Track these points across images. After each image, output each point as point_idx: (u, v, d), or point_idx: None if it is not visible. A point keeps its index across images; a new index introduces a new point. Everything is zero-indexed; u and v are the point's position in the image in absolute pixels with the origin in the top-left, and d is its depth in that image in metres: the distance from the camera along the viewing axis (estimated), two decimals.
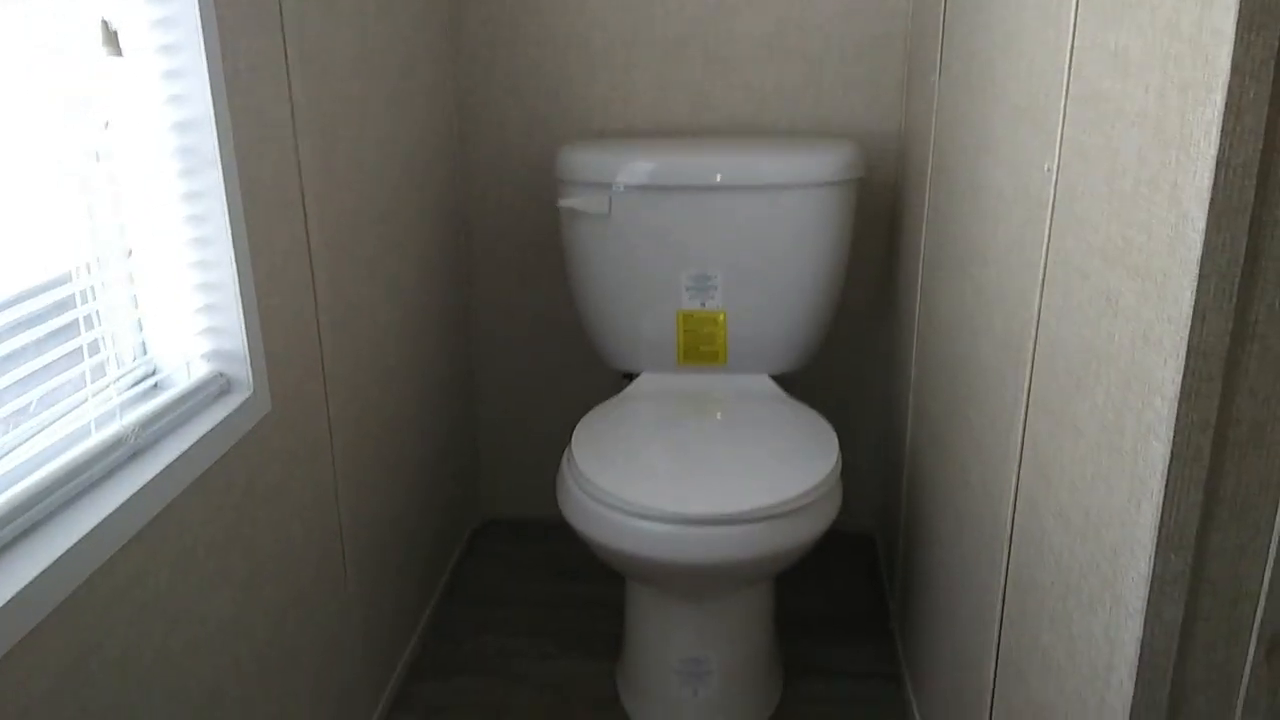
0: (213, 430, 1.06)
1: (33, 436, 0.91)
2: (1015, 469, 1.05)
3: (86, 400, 0.97)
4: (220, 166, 1.08)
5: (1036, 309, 1.00)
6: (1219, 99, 0.60)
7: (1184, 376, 0.64)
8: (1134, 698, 0.73)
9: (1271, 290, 0.63)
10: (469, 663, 1.78)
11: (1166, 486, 0.67)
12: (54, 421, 0.93)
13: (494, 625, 1.88)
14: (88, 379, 0.98)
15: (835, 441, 1.54)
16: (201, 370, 1.14)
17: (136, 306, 1.09)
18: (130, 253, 1.08)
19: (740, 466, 1.46)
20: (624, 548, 1.37)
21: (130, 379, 1.06)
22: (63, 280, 0.96)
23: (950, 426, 1.39)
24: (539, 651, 1.80)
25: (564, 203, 1.77)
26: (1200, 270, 0.62)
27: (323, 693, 1.39)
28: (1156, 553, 0.70)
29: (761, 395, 1.74)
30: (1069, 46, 0.92)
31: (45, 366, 0.93)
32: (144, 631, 0.95)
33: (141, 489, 0.93)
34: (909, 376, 1.75)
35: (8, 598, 0.75)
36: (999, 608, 1.11)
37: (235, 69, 1.10)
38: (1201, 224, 0.62)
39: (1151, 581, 0.70)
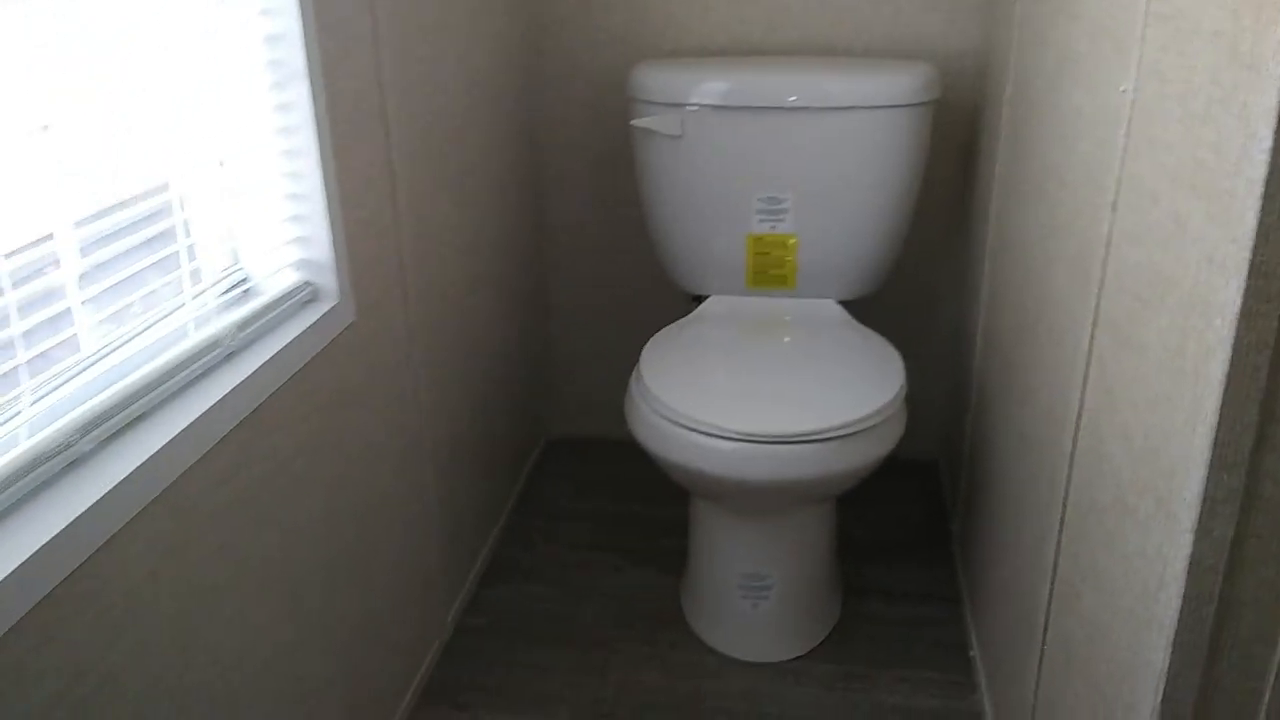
0: (301, 336, 1.12)
1: (136, 336, 0.97)
2: (1080, 390, 1.06)
3: (184, 304, 1.03)
4: (308, 79, 1.12)
5: (1107, 231, 0.99)
6: None
7: (1244, 297, 0.65)
8: (1180, 612, 0.75)
9: None
10: (538, 571, 1.85)
11: (1222, 406, 0.68)
12: (155, 323, 0.99)
13: (562, 537, 1.95)
14: (185, 284, 1.04)
15: (901, 366, 1.55)
16: (290, 278, 1.19)
17: (231, 215, 1.14)
18: (224, 162, 1.13)
19: (806, 388, 1.49)
20: (689, 464, 1.41)
21: (223, 285, 1.12)
22: (161, 188, 1.02)
23: (1019, 350, 1.39)
24: (606, 564, 1.87)
25: (637, 122, 1.78)
26: (1265, 190, 0.63)
27: (403, 592, 1.46)
28: (1209, 472, 0.71)
29: (829, 320, 1.76)
30: None
31: (146, 269, 0.98)
32: (238, 524, 1.02)
33: (235, 388, 0.99)
34: (979, 301, 1.75)
35: (110, 487, 0.81)
36: (1057, 529, 1.12)
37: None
38: (1269, 143, 0.62)
39: (1204, 500, 0.72)
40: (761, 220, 1.80)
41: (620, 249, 2.14)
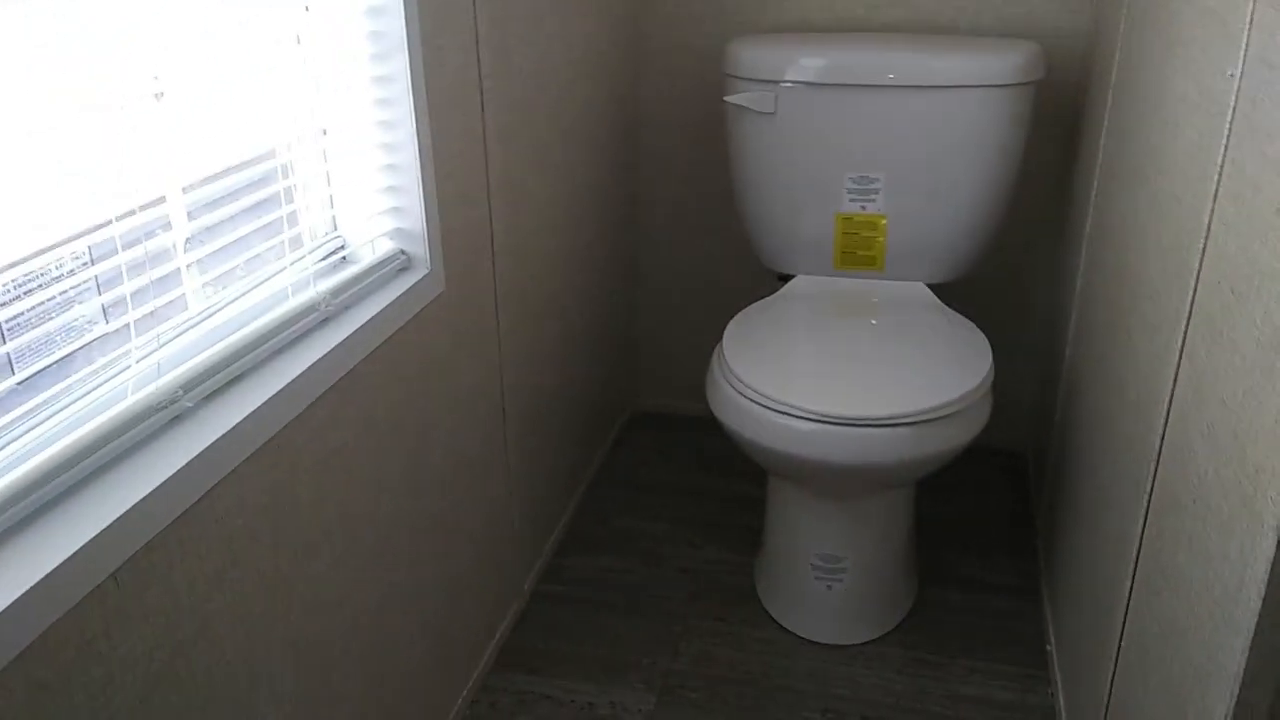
0: (393, 303, 1.16)
1: (240, 297, 1.01)
2: (1170, 385, 1.04)
3: (285, 268, 1.07)
4: (407, 51, 1.14)
5: (1207, 220, 0.97)
6: None
7: None
8: (1260, 615, 0.74)
9: None
10: (614, 543, 1.88)
11: None
12: (257, 285, 1.04)
13: (640, 510, 1.97)
14: (286, 249, 1.08)
15: (989, 353, 1.53)
16: (385, 247, 1.23)
17: (329, 184, 1.18)
18: (325, 132, 1.17)
19: (889, 371, 1.48)
20: (768, 444, 1.41)
21: (322, 252, 1.16)
22: (267, 156, 1.06)
23: (1111, 341, 1.36)
24: (682, 538, 1.88)
25: (730, 99, 1.78)
26: None
27: (482, 557, 1.50)
28: None
29: (917, 303, 1.74)
30: None
31: (250, 234, 1.03)
32: (329, 483, 1.06)
33: (330, 351, 1.03)
34: (1074, 289, 1.71)
35: (209, 442, 0.86)
36: (1140, 526, 1.10)
37: None
38: None
39: None
40: (852, 200, 1.78)
41: (713, 224, 2.14)
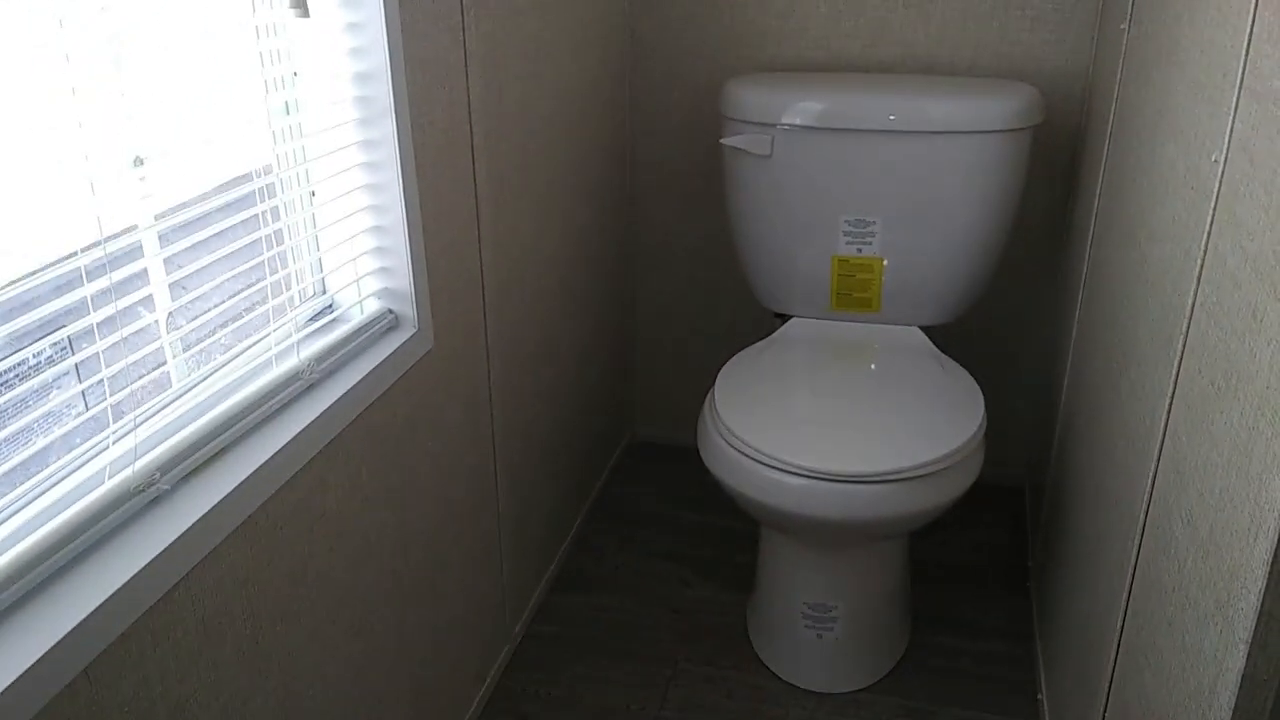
0: (379, 366, 1.16)
1: (225, 366, 1.02)
2: (1155, 460, 1.03)
3: (270, 333, 1.08)
4: (394, 116, 1.15)
5: (1190, 303, 0.96)
6: None
7: None
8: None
9: None
10: (609, 580, 1.88)
11: None
12: (242, 352, 1.04)
13: (636, 545, 1.97)
14: (271, 316, 1.09)
15: (981, 404, 1.52)
16: (372, 307, 1.23)
17: (318, 248, 1.18)
18: (314, 194, 1.17)
19: (881, 424, 1.47)
20: (758, 497, 1.41)
21: (309, 312, 1.16)
22: (255, 223, 1.06)
23: (1103, 396, 1.35)
24: (677, 577, 1.88)
25: (726, 141, 1.77)
26: None
27: (471, 605, 1.50)
28: (1267, 586, 0.69)
29: (912, 349, 1.73)
30: (1247, 34, 0.87)
31: (238, 298, 1.03)
32: (310, 550, 1.07)
33: (313, 421, 1.03)
34: (1071, 331, 1.70)
35: (186, 527, 0.86)
36: (1125, 596, 1.10)
37: (412, 18, 1.16)
38: None
39: (1260, 615, 0.69)
40: (848, 242, 1.78)
41: (711, 258, 2.14)
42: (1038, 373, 2.06)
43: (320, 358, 1.11)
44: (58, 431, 0.83)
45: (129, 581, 0.79)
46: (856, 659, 1.62)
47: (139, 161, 0.89)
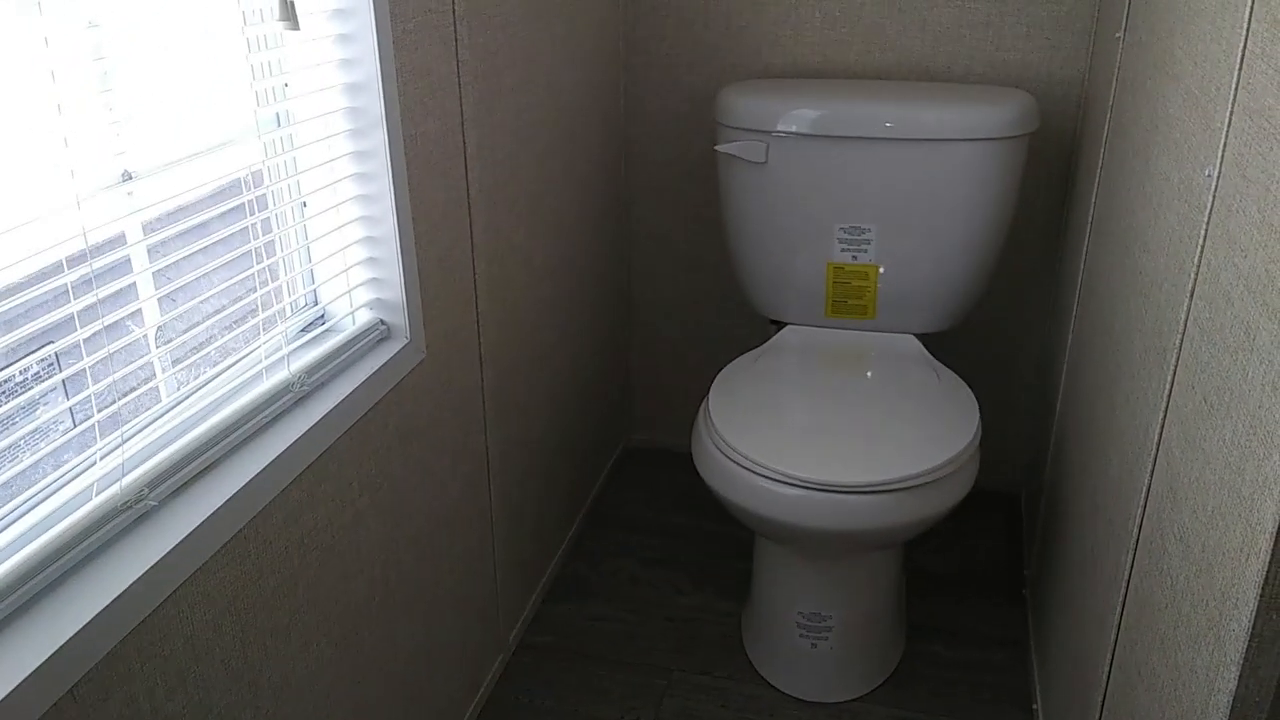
0: (370, 378, 1.15)
1: (214, 379, 1.01)
2: (1148, 475, 1.03)
3: (260, 344, 1.07)
4: (385, 127, 1.14)
5: (1184, 317, 0.96)
6: None
7: None
8: None
9: None
10: (604, 588, 1.87)
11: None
12: (231, 365, 1.04)
13: (631, 552, 1.97)
14: (261, 330, 1.08)
15: (976, 414, 1.52)
16: (364, 317, 1.22)
17: (309, 258, 1.17)
18: (305, 205, 1.17)
19: (875, 433, 1.47)
20: (751, 507, 1.41)
21: (300, 323, 1.16)
22: (244, 236, 1.05)
23: (1098, 406, 1.35)
24: (672, 585, 1.88)
25: (721, 148, 1.77)
26: None
27: (465, 614, 1.50)
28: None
29: (907, 357, 1.73)
30: (1240, 49, 0.87)
31: (229, 308, 1.03)
32: (301, 563, 1.06)
33: (303, 435, 1.03)
34: (1066, 341, 1.70)
35: (174, 544, 0.85)
36: (1119, 611, 1.09)
37: (404, 29, 1.15)
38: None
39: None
40: (843, 249, 1.77)
41: (707, 263, 2.13)
42: (1034, 378, 2.05)
43: (311, 370, 1.11)
44: (45, 449, 0.83)
45: (115, 600, 0.79)
46: (851, 668, 1.61)
47: (127, 176, 0.89)
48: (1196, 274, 0.93)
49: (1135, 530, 1.05)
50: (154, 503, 0.88)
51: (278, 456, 0.99)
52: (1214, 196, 0.90)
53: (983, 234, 1.73)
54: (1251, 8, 0.85)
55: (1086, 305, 1.55)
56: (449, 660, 1.47)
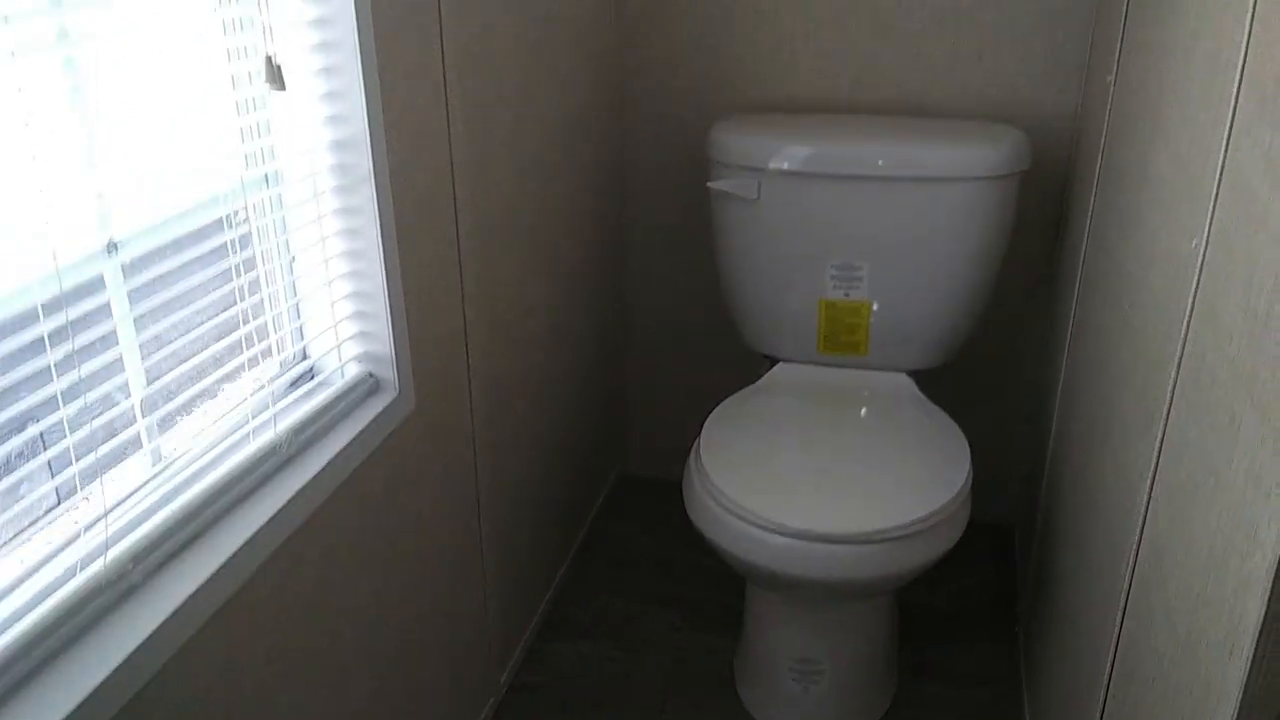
0: (360, 434, 1.15)
1: (199, 438, 1.01)
2: (1136, 537, 1.03)
3: (246, 399, 1.07)
4: (374, 183, 1.14)
5: (1170, 388, 0.96)
6: None
7: None
8: None
9: None
10: (595, 626, 1.87)
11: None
12: (218, 420, 1.03)
13: (625, 588, 1.97)
14: (249, 391, 1.08)
15: (967, 459, 1.52)
16: (353, 371, 1.22)
17: (299, 315, 1.17)
18: (294, 259, 1.16)
19: (866, 480, 1.47)
20: (741, 555, 1.40)
21: (288, 379, 1.16)
22: (231, 300, 1.05)
23: (1089, 454, 1.35)
24: (665, 622, 1.88)
25: (713, 185, 1.77)
26: None
27: (456, 659, 1.50)
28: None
29: (899, 397, 1.72)
30: (1229, 120, 0.86)
31: (217, 371, 1.02)
32: (289, 627, 1.06)
33: (292, 498, 1.03)
34: (1059, 377, 1.69)
35: (161, 620, 0.85)
36: (1107, 673, 1.09)
37: (392, 84, 1.15)
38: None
39: None
40: (835, 286, 1.77)
41: (703, 294, 2.13)
42: (1028, 410, 2.05)
43: (298, 429, 1.10)
44: (29, 529, 0.82)
45: (101, 684, 0.79)
46: (843, 710, 1.61)
47: (113, 248, 0.89)
48: (1183, 348, 0.93)
49: (1124, 594, 1.05)
50: (139, 579, 0.88)
51: (264, 524, 0.99)
52: (1200, 270, 0.90)
53: (975, 271, 1.72)
54: (1240, 78, 0.85)
55: (1078, 346, 1.55)
56: (440, 705, 1.46)
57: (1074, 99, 1.81)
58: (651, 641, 1.83)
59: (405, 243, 1.22)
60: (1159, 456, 0.97)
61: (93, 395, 0.85)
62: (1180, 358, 0.93)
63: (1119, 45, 1.48)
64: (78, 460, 0.84)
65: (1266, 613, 0.65)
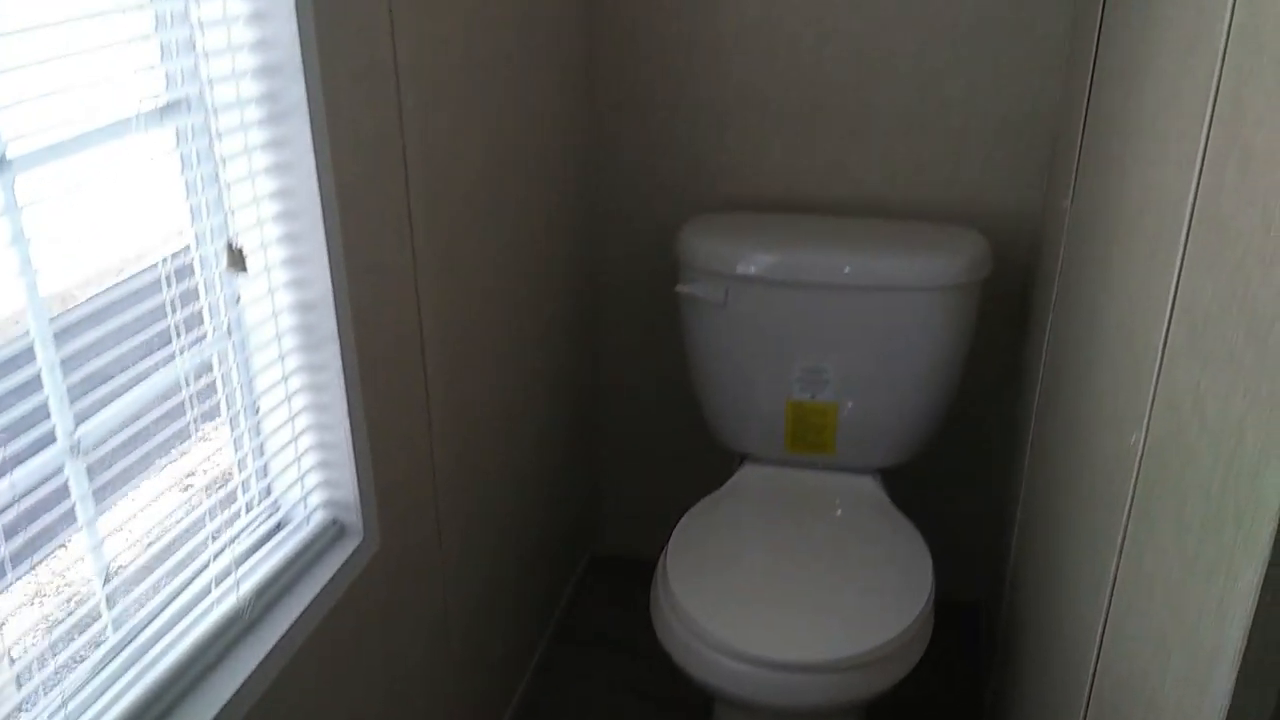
0: (325, 587, 1.16)
1: (164, 622, 1.02)
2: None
3: (208, 564, 1.08)
4: (339, 342, 1.15)
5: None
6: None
7: None
8: None
9: None
10: (570, 716, 1.88)
11: None
12: (181, 592, 1.04)
13: (595, 678, 1.98)
14: (212, 562, 1.09)
15: (929, 575, 1.54)
16: (319, 518, 1.24)
17: (266, 475, 1.18)
18: (259, 410, 1.18)
19: (831, 601, 1.49)
20: (707, 680, 1.42)
21: (255, 528, 1.17)
22: (189, 444, 1.07)
23: (1049, 559, 1.36)
24: (636, 712, 1.89)
25: (682, 288, 1.79)
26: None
27: None
28: None
29: (865, 505, 1.75)
30: (1169, 308, 0.88)
31: (180, 529, 1.04)
32: None
33: (255, 669, 1.04)
34: (1024, 464, 1.71)
35: None
36: None
37: (358, 239, 1.16)
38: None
39: None
40: (803, 388, 1.79)
41: (675, 383, 2.15)
42: (996, 494, 2.08)
43: (261, 590, 1.11)
44: None
45: None
46: None
47: (77, 451, 0.90)
48: (1123, 539, 0.95)
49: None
50: None
51: (231, 696, 1.00)
52: (1139, 468, 0.92)
53: (939, 373, 1.75)
54: (1182, 260, 0.86)
55: (1039, 450, 1.57)
56: None
57: (1036, 204, 1.84)
58: None
59: (371, 391, 1.23)
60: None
61: (56, 604, 0.86)
62: (1121, 546, 0.95)
63: (1075, 170, 1.52)
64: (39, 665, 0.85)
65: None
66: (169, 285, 0.97)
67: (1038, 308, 1.75)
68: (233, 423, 1.12)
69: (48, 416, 0.87)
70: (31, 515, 0.84)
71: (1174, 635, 0.81)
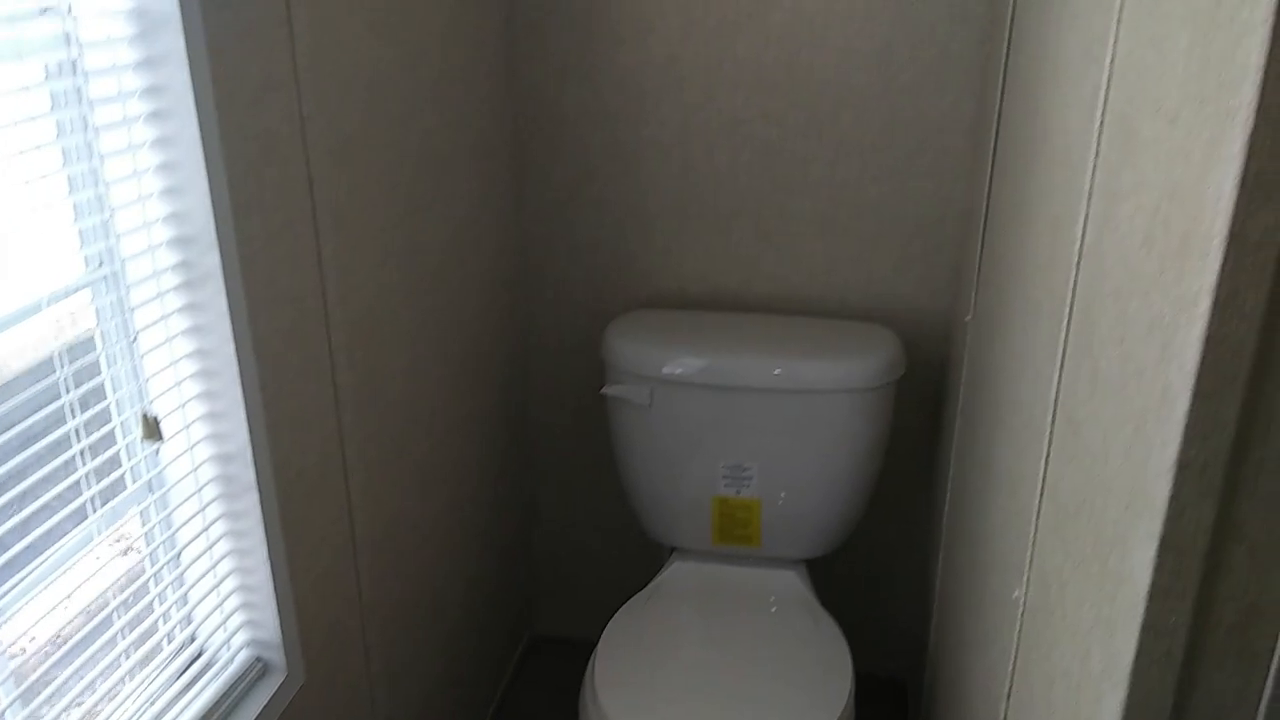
0: None
1: None
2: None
3: (127, 699, 1.09)
4: (258, 489, 1.17)
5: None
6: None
7: None
8: None
9: None
10: None
11: None
12: None
13: None
14: (125, 684, 1.10)
15: (849, 674, 1.59)
16: (240, 658, 1.25)
17: (190, 623, 1.20)
18: (179, 554, 1.19)
19: (754, 705, 1.53)
20: None
21: (176, 668, 1.18)
22: (136, 589, 1.08)
23: (962, 617, 1.40)
24: None
25: (608, 390, 1.83)
26: None
27: None
28: None
29: (789, 600, 1.80)
30: (1044, 450, 0.93)
31: (101, 666, 1.05)
32: None
33: None
34: (940, 545, 1.77)
35: None
36: None
37: (276, 393, 1.18)
38: None
39: None
40: (727, 484, 1.84)
41: (609, 467, 2.19)
42: (917, 573, 2.14)
43: None
44: None
45: None
46: None
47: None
48: (1014, 666, 1.00)
49: None
50: None
51: None
52: (1020, 624, 0.97)
53: (858, 467, 1.81)
54: (1056, 398, 0.91)
55: (955, 513, 1.62)
56: None
57: (946, 301, 1.91)
58: None
59: (290, 527, 1.25)
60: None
61: None
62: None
63: (975, 283, 1.59)
64: None
65: None
66: (83, 461, 0.99)
67: (949, 404, 1.82)
68: (155, 578, 1.14)
69: None
70: None
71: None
